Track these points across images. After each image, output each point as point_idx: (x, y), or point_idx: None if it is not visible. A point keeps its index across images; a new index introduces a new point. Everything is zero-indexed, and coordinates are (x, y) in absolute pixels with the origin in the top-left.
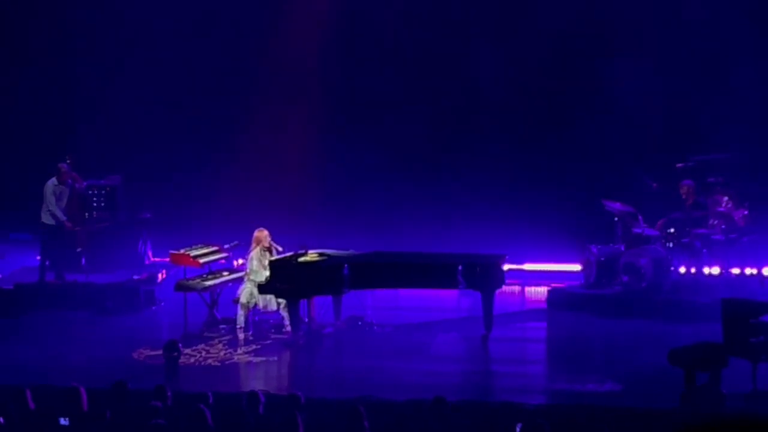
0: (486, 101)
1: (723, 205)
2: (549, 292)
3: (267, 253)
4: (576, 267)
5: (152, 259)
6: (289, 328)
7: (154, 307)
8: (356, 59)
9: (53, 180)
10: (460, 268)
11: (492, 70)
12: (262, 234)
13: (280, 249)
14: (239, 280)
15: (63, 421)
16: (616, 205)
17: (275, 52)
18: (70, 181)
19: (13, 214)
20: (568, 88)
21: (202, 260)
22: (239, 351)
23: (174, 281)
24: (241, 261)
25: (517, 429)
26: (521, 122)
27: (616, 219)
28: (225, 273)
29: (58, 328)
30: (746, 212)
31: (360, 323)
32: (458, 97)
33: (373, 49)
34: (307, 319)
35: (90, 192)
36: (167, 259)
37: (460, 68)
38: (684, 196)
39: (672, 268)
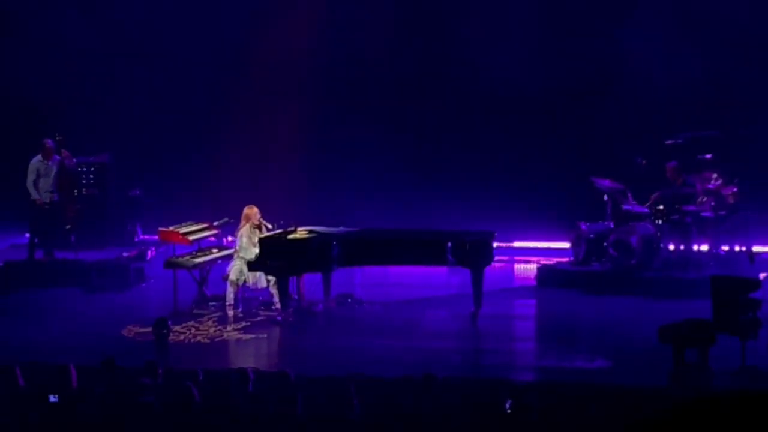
0: (475, 80)
1: (712, 182)
2: (538, 269)
3: (256, 230)
4: (565, 244)
5: (141, 236)
6: (278, 306)
7: (143, 285)
8: (348, 37)
9: (38, 157)
10: (449, 245)
11: (483, 50)
12: (252, 211)
13: (270, 226)
14: (229, 258)
15: (52, 398)
16: (606, 182)
17: (266, 32)
18: (58, 157)
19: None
20: (558, 67)
21: (191, 237)
22: (229, 328)
23: (163, 258)
24: (230, 238)
25: (507, 405)
26: (511, 101)
27: (605, 196)
28: (214, 250)
29: (48, 305)
30: (735, 189)
31: (349, 300)
32: (448, 76)
33: (365, 29)
34: (296, 297)
35: (80, 169)
36: (156, 237)
37: (451, 46)
38: (671, 179)
39: (661, 245)
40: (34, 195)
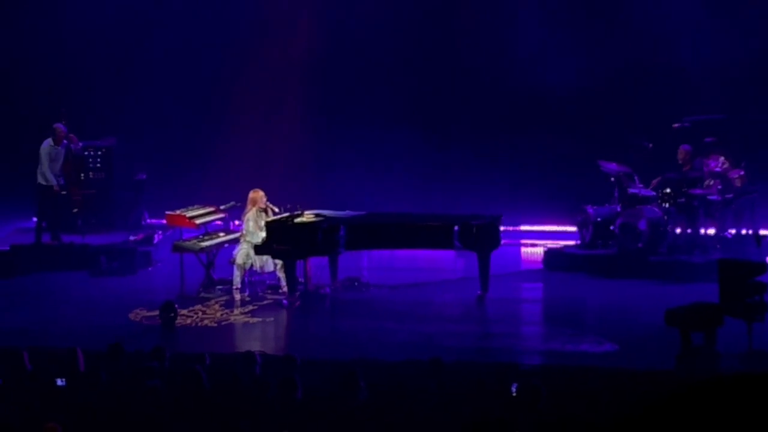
0: (483, 65)
1: (719, 165)
2: (545, 252)
3: (263, 214)
4: (572, 228)
5: (148, 220)
6: (285, 289)
7: (150, 268)
8: (353, 22)
9: (49, 141)
10: (456, 228)
11: (491, 35)
12: (258, 195)
13: (276, 210)
14: (235, 241)
15: (60, 382)
16: (612, 166)
17: (274, 14)
18: (65, 142)
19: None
20: (565, 53)
21: (198, 221)
22: (236, 312)
23: (170, 242)
24: (237, 222)
25: (513, 389)
26: (517, 85)
27: (612, 179)
28: (221, 234)
29: (55, 289)
30: (742, 172)
31: (356, 284)
32: (451, 59)
33: (375, 11)
34: (303, 280)
35: (86, 153)
36: (163, 220)
37: (453, 29)
38: (681, 161)
39: (668, 229)
40: (52, 181)
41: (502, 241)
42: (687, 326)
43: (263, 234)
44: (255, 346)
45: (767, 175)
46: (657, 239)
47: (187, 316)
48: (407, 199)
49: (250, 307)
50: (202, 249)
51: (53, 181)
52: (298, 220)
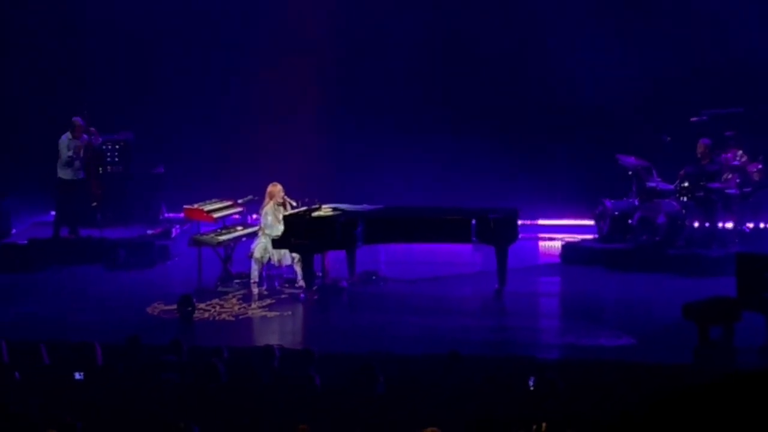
0: (497, 57)
1: (737, 159)
2: (562, 246)
3: (281, 208)
4: (590, 221)
5: (166, 214)
6: (302, 283)
7: (168, 262)
8: (371, 15)
9: (67, 134)
10: (473, 222)
11: (504, 24)
12: (276, 188)
13: (294, 203)
14: (253, 235)
15: (77, 376)
16: (630, 159)
17: (289, 11)
18: (86, 136)
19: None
20: (581, 43)
21: (216, 215)
22: (253, 306)
23: (188, 236)
24: (255, 216)
25: (530, 383)
26: (533, 77)
27: (630, 173)
28: (239, 228)
29: (72, 283)
30: (761, 166)
31: (374, 278)
32: (466, 51)
33: (385, 4)
34: (320, 274)
35: (104, 147)
36: (181, 214)
37: (471, 21)
38: (700, 155)
39: (686, 223)
40: (78, 166)
41: (520, 235)
42: (704, 320)
43: (281, 228)
44: (272, 340)
45: None
46: (675, 233)
47: (205, 310)
48: (425, 192)
49: (268, 301)
50: (220, 243)
51: (79, 165)
52: (315, 213)
